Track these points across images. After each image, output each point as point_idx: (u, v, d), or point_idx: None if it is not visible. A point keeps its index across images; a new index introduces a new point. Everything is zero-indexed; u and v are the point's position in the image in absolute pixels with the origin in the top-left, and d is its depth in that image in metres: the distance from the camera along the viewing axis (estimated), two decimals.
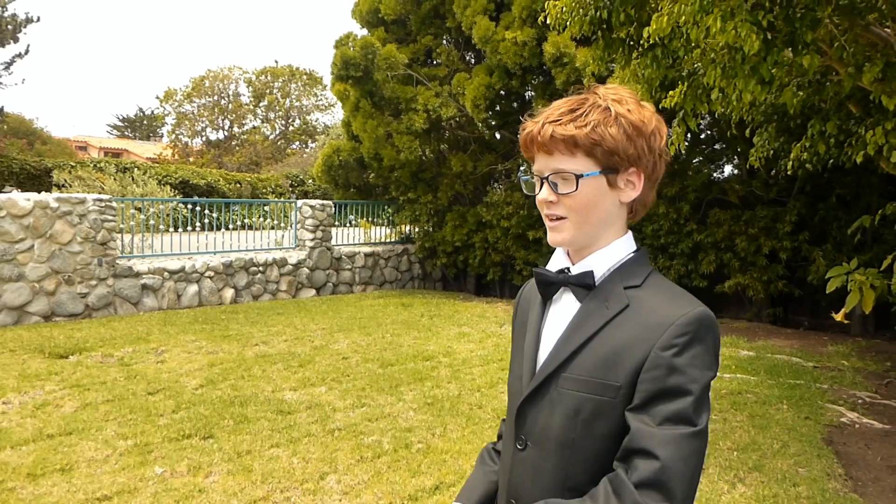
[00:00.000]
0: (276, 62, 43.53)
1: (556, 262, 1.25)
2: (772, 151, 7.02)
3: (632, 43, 5.41)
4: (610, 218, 1.19)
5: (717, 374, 1.08)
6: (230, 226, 11.83)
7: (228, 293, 10.62)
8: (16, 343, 7.20)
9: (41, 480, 3.91)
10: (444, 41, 13.68)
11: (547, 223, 1.21)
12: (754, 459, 4.50)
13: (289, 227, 12.60)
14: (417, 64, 13.26)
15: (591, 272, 1.19)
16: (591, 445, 1.10)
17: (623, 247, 1.20)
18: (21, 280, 8.33)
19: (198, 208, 11.53)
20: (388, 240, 14.15)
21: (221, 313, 9.54)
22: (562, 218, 1.18)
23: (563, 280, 1.21)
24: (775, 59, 4.17)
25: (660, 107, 5.73)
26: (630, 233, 1.22)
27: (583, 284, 1.19)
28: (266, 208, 14.66)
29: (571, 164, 1.16)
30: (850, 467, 4.47)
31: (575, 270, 1.21)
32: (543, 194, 1.19)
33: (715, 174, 11.51)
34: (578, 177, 1.15)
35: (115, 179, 16.24)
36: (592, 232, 1.19)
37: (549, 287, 1.23)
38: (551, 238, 1.21)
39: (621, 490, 1.01)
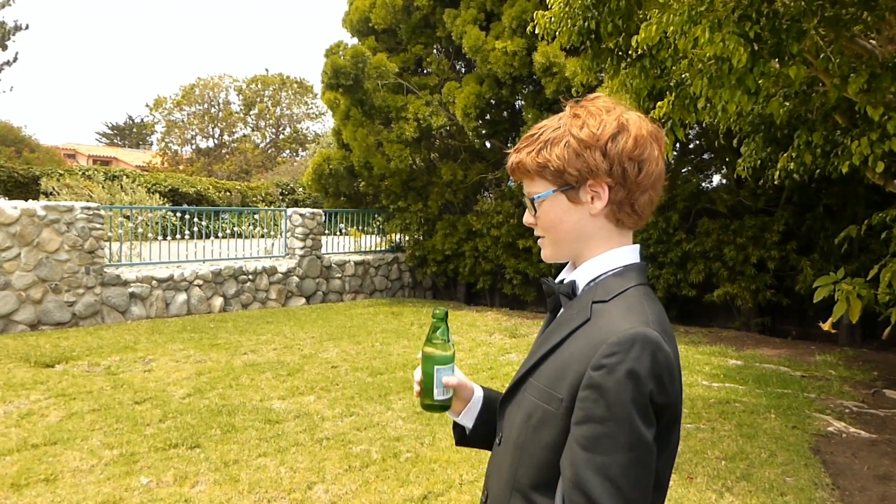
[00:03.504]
0: (267, 70, 43.39)
1: (562, 274, 1.30)
2: (759, 161, 7.06)
3: (620, 53, 5.46)
4: (585, 231, 1.20)
5: (664, 398, 1.04)
6: (220, 234, 11.80)
7: (217, 302, 10.57)
8: (1, 352, 7.13)
9: (25, 490, 3.87)
10: (435, 50, 13.72)
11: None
12: (742, 468, 4.51)
13: (279, 236, 12.57)
14: (408, 73, 13.29)
15: (574, 283, 1.22)
16: (537, 452, 1.14)
17: (612, 260, 1.20)
18: (7, 288, 8.26)
19: (187, 216, 11.49)
20: (378, 248, 14.14)
21: (210, 322, 9.50)
22: (542, 237, 1.26)
23: (556, 290, 1.25)
24: (762, 70, 4.21)
25: (648, 117, 5.76)
26: (628, 246, 1.21)
27: (567, 295, 1.23)
28: (256, 217, 14.62)
29: (532, 188, 1.24)
30: (837, 476, 4.48)
31: (565, 281, 1.25)
32: (525, 217, 1.28)
33: (703, 184, 11.57)
34: (532, 200, 1.23)
35: (103, 187, 16.17)
36: (569, 247, 1.24)
37: (549, 297, 1.28)
38: (542, 255, 1.30)
39: None
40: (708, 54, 4.53)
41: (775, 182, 6.92)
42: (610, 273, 1.19)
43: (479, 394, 1.42)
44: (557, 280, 1.28)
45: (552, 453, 1.10)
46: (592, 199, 1.18)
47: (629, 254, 1.21)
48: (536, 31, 5.54)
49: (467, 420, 1.41)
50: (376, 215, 14.40)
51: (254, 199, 24.26)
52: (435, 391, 1.32)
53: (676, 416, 1.10)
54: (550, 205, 1.21)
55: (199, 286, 10.35)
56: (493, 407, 1.37)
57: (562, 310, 1.24)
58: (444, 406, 1.35)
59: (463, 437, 1.44)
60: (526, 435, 1.16)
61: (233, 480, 4.09)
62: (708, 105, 5.02)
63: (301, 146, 42.49)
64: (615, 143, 1.16)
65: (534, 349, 1.24)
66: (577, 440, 1.04)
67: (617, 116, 1.18)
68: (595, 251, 1.21)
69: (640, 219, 1.21)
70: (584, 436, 1.03)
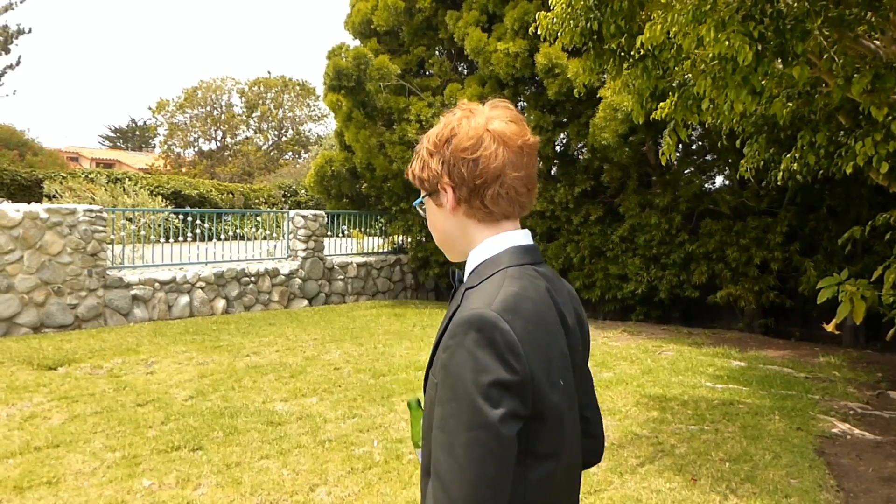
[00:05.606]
0: (269, 73, 43.62)
1: None
2: (762, 162, 7.04)
3: (622, 54, 5.44)
4: (452, 229, 1.28)
5: (511, 374, 1.04)
6: (222, 236, 11.79)
7: (220, 304, 10.57)
8: (4, 355, 7.14)
9: (28, 493, 3.86)
10: (437, 52, 13.72)
11: None
12: (746, 470, 4.49)
13: (281, 238, 12.57)
14: (410, 74, 13.29)
15: (461, 275, 1.31)
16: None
17: (487, 249, 1.25)
18: (10, 291, 8.27)
19: (189, 219, 11.49)
20: (380, 250, 14.14)
21: (212, 324, 9.49)
22: None
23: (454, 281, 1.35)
24: (766, 70, 4.20)
25: (651, 118, 5.76)
26: (506, 233, 1.25)
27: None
28: (258, 219, 14.63)
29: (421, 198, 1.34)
30: (841, 478, 4.46)
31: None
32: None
33: (706, 185, 11.56)
34: (415, 206, 1.36)
35: (106, 190, 16.19)
36: (449, 246, 1.32)
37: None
38: None
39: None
40: (711, 54, 4.52)
41: (778, 183, 6.90)
42: (486, 260, 1.24)
43: None
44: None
45: None
46: (447, 200, 1.25)
47: (507, 239, 1.25)
48: (538, 33, 5.53)
49: None
50: (379, 217, 14.40)
51: (256, 201, 24.30)
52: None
53: (543, 388, 1.10)
54: (427, 210, 1.31)
55: (202, 288, 10.35)
56: None
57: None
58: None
59: None
60: (427, 422, 1.20)
61: (235, 483, 4.08)
62: (711, 105, 5.01)
63: (303, 148, 42.54)
64: (448, 145, 1.23)
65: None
66: (435, 421, 1.09)
67: (457, 119, 1.24)
68: (471, 244, 1.27)
69: (492, 212, 1.24)
70: (438, 416, 1.08)
